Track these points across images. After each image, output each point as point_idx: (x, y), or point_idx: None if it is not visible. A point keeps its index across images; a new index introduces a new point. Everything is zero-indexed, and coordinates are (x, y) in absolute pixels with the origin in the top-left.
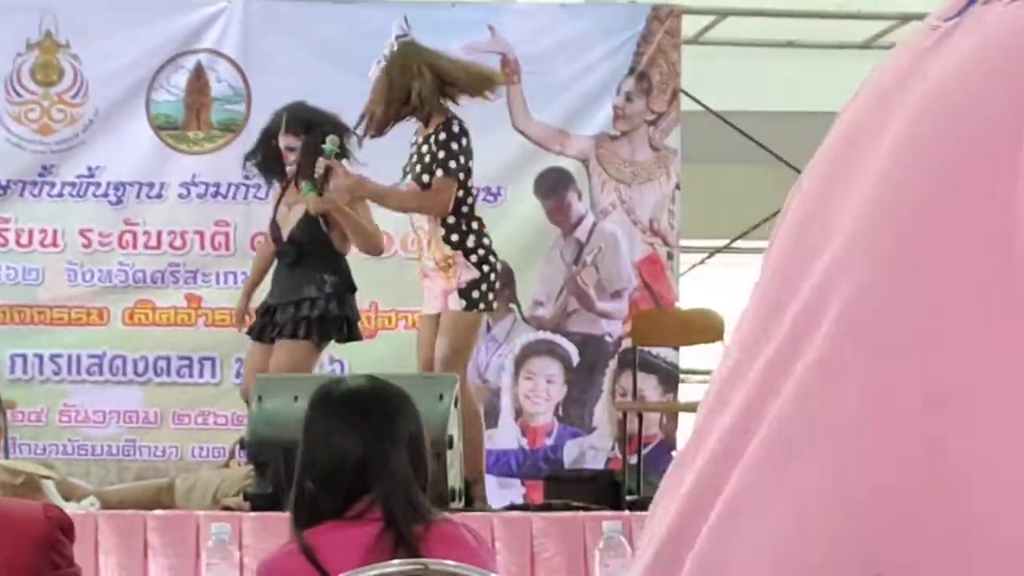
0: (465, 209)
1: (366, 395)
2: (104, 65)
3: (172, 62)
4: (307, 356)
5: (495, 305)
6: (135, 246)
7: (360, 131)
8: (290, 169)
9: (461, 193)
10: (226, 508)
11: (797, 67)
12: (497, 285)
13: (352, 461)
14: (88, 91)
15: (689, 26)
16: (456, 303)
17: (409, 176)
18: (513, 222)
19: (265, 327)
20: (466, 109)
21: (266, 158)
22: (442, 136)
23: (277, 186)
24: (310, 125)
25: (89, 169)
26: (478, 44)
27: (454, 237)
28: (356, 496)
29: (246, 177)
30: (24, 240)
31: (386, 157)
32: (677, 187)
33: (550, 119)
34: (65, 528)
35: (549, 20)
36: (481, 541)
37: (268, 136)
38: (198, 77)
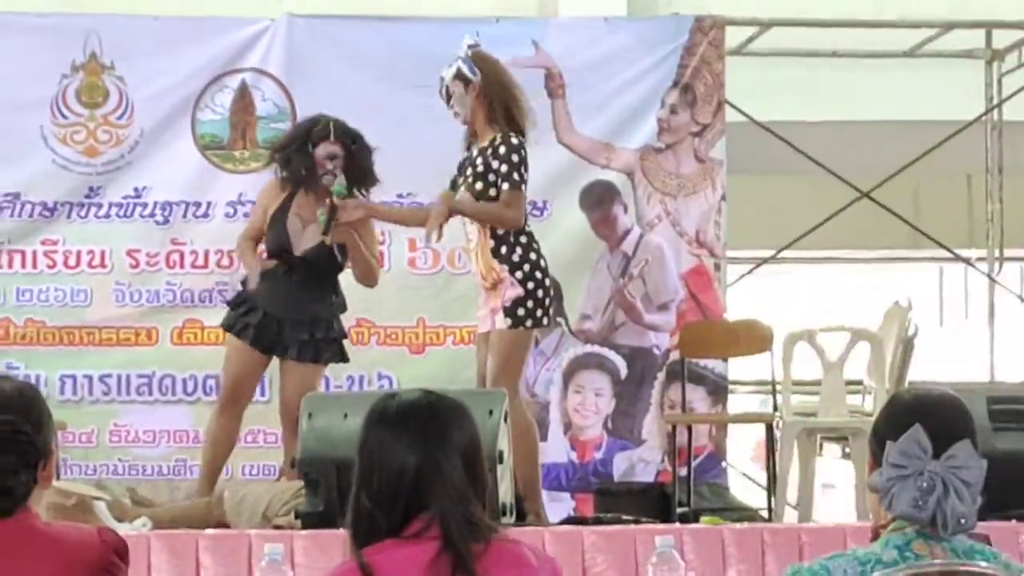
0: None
1: (421, 408)
2: (149, 86)
3: (216, 81)
4: (317, 377)
5: (545, 321)
6: (182, 265)
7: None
8: (327, 179)
9: None
10: (277, 527)
11: (841, 76)
12: (547, 301)
13: (408, 475)
14: (134, 112)
15: (733, 37)
16: (502, 322)
17: (463, 188)
18: (559, 236)
19: (264, 336)
20: None
21: (298, 163)
22: (502, 149)
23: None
24: (356, 138)
25: (136, 190)
26: (522, 59)
27: (503, 250)
28: (413, 513)
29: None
30: (72, 261)
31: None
32: (723, 198)
33: (595, 132)
34: (120, 551)
35: (592, 34)
36: (544, 559)
37: (305, 141)
38: (243, 96)
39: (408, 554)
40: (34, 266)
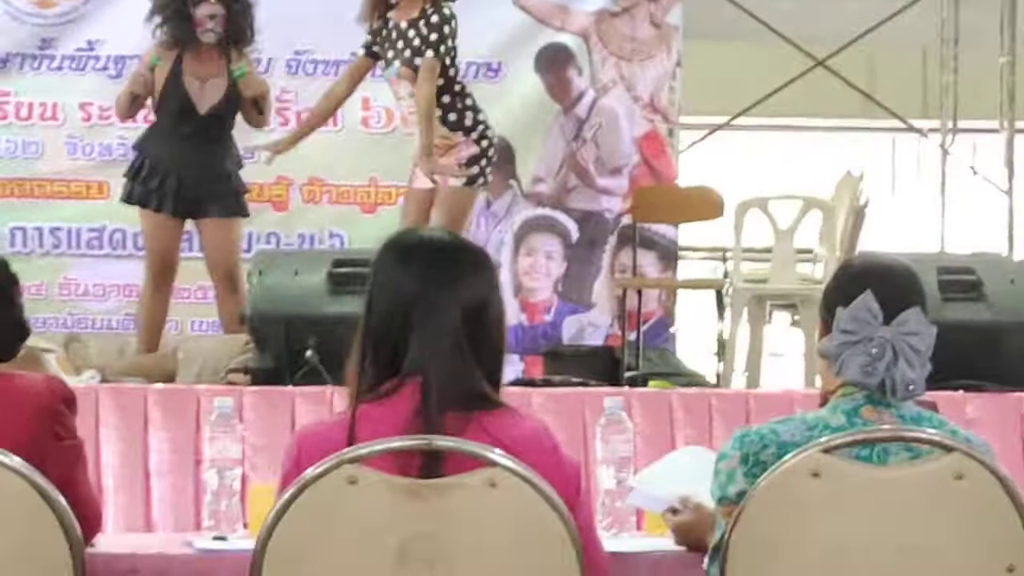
0: (458, 88)
1: (434, 242)
2: None
3: None
4: (239, 232)
5: (490, 179)
6: (135, 120)
7: (361, 20)
8: (208, 36)
9: (452, 72)
10: (230, 382)
11: None
12: (495, 159)
13: (400, 309)
14: None
15: None
16: (456, 179)
17: (397, 63)
18: (513, 98)
19: (184, 202)
20: None
21: (176, 23)
22: (434, 19)
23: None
24: None
25: (89, 43)
26: None
27: (451, 117)
28: (402, 361)
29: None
30: (24, 113)
31: None
32: (678, 64)
33: None
34: (68, 400)
35: None
36: (563, 456)
37: (178, 2)
38: None
39: (384, 412)
40: None
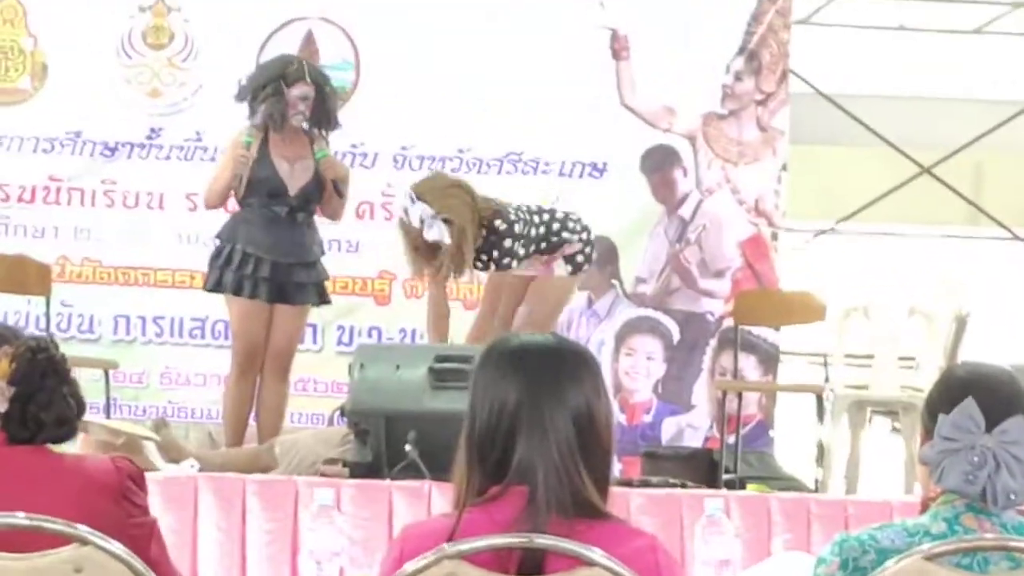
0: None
1: (535, 346)
2: (215, 29)
3: (283, 28)
4: (305, 319)
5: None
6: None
7: None
8: (298, 119)
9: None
10: (324, 474)
11: (908, 51)
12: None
13: (505, 418)
14: (198, 55)
15: (800, 6)
16: (562, 268)
17: None
18: (618, 198)
19: (275, 287)
20: (574, 85)
21: (275, 102)
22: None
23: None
24: (326, 81)
25: (196, 133)
26: (589, 19)
27: (567, 227)
28: (507, 470)
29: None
30: (131, 202)
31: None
32: (783, 168)
33: (658, 96)
34: (135, 478)
35: None
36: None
37: (279, 82)
38: (308, 43)
39: (489, 517)
40: (93, 204)
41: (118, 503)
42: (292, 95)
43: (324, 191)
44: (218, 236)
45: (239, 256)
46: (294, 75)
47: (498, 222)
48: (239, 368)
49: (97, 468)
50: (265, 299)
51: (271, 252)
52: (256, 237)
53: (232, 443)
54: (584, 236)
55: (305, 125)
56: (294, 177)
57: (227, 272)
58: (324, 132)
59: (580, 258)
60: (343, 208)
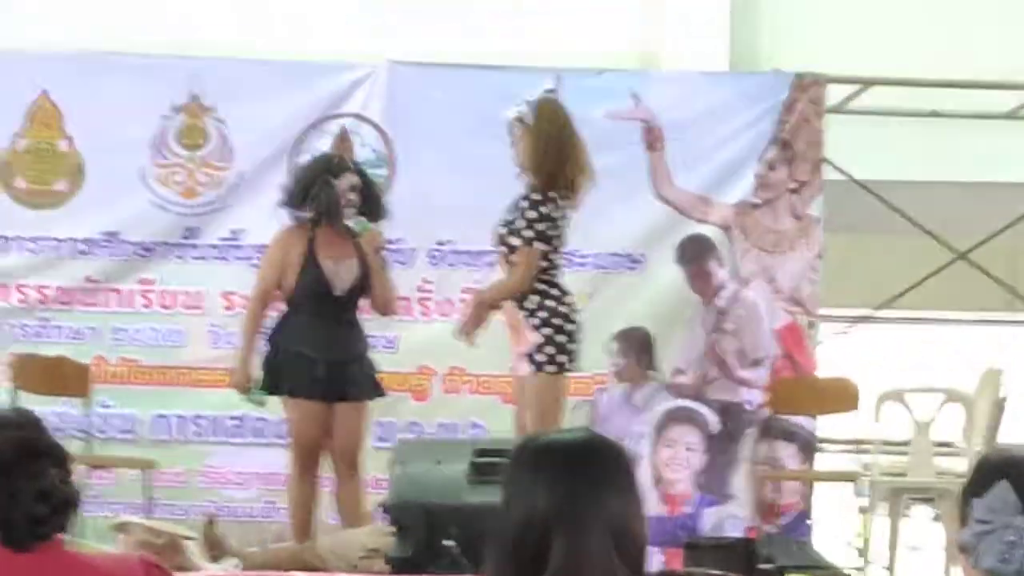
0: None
1: (566, 445)
2: (249, 129)
3: (316, 126)
4: (367, 415)
5: (570, 368)
6: (276, 309)
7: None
8: (349, 210)
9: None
10: (365, 571)
11: (941, 137)
12: (571, 347)
13: (536, 523)
14: (233, 155)
15: (833, 94)
16: (526, 368)
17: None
18: (654, 289)
19: (332, 387)
20: (607, 177)
21: (325, 198)
22: (525, 203)
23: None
24: (364, 170)
25: (232, 232)
26: (621, 111)
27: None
28: (543, 562)
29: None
30: (167, 302)
31: None
32: (819, 256)
33: (692, 186)
34: (157, 569)
35: (692, 88)
36: None
37: (326, 176)
38: (342, 141)
39: None
40: (130, 305)
41: None
42: (341, 186)
43: (371, 286)
44: (268, 340)
45: (293, 358)
46: (339, 167)
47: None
48: (300, 467)
49: (119, 565)
50: (323, 399)
51: (324, 352)
52: (308, 338)
53: (300, 539)
54: (545, 331)
55: (352, 223)
56: (340, 276)
57: (283, 375)
58: (375, 222)
59: (541, 357)
60: (394, 296)
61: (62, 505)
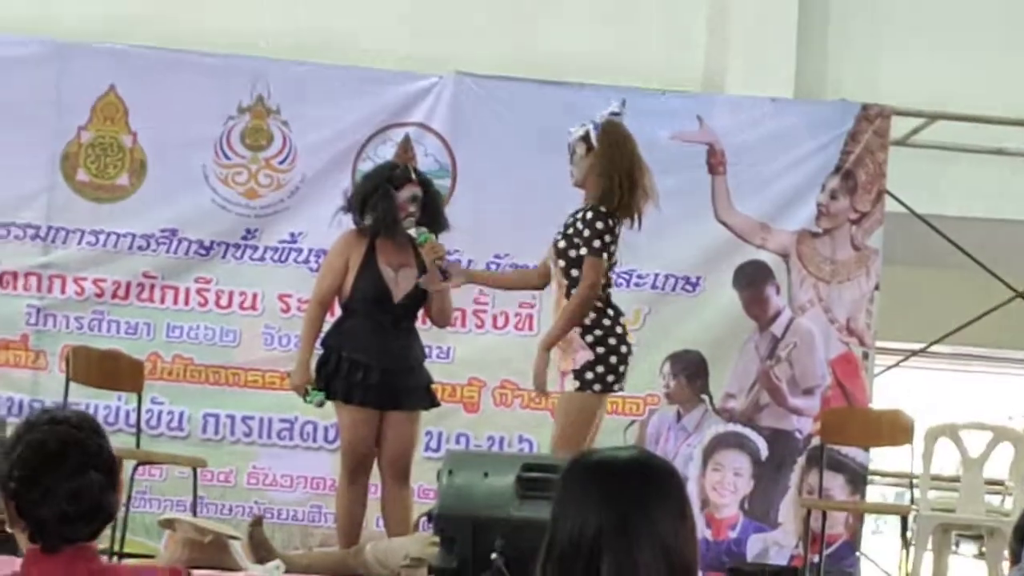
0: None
1: (616, 463)
2: (313, 133)
3: (380, 133)
4: (419, 424)
5: (616, 387)
6: (332, 313)
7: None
8: (409, 221)
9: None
10: None
11: (1005, 174)
12: (620, 368)
13: (587, 540)
14: (296, 158)
15: (898, 127)
16: (570, 384)
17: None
18: (710, 312)
19: (384, 395)
20: (669, 199)
21: (384, 208)
22: (589, 215)
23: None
24: (430, 183)
25: (292, 235)
26: (686, 133)
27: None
28: None
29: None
30: (224, 302)
31: None
32: (876, 287)
33: (753, 212)
34: None
35: (758, 113)
36: None
37: (387, 186)
38: (405, 150)
39: None
40: (186, 303)
41: None
42: (401, 198)
43: (428, 296)
44: (323, 343)
45: (347, 364)
46: (400, 177)
47: None
48: (349, 473)
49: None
50: (376, 406)
51: (379, 359)
52: (363, 344)
53: (346, 546)
54: (599, 350)
55: (413, 231)
56: (399, 284)
57: (336, 380)
58: (436, 234)
59: (590, 375)
60: (451, 307)
61: (93, 510)
